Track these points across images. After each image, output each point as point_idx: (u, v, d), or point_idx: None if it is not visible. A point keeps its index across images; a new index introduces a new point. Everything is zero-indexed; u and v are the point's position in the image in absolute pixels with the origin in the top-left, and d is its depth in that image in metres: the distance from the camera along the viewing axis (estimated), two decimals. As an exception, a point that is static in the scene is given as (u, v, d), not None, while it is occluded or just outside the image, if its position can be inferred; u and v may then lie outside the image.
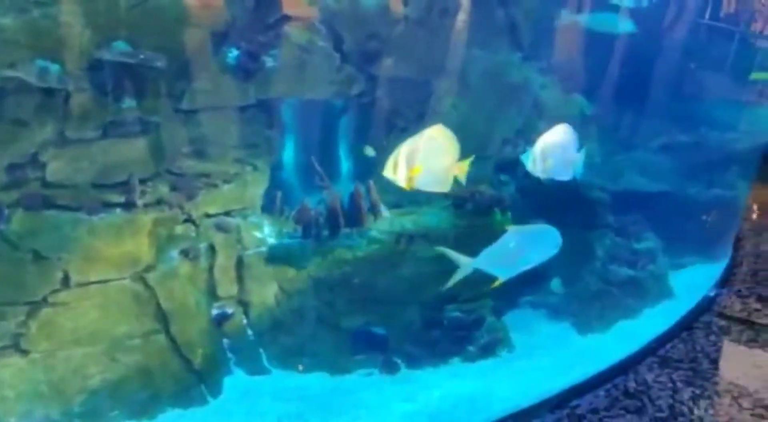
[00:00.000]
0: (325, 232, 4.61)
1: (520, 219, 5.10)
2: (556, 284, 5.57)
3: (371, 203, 4.78)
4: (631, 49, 6.32)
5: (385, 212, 4.79)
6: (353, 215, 4.60)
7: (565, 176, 3.94)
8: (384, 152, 5.45)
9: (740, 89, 6.74)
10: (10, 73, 3.72)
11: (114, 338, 3.93)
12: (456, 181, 3.48)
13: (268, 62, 4.83)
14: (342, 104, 5.73)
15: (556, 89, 5.89)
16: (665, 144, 6.42)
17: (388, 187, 5.10)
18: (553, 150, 3.77)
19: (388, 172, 3.36)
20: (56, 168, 3.91)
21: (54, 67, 3.83)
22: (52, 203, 3.90)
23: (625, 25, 6.18)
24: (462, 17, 5.37)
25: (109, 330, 3.93)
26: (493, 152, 5.52)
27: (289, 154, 5.84)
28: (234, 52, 4.73)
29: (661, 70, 6.48)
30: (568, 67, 5.92)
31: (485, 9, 5.43)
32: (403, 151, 3.33)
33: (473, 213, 4.83)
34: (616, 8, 5.46)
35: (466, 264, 3.55)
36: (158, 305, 4.05)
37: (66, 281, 3.86)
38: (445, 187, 3.47)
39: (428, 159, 3.31)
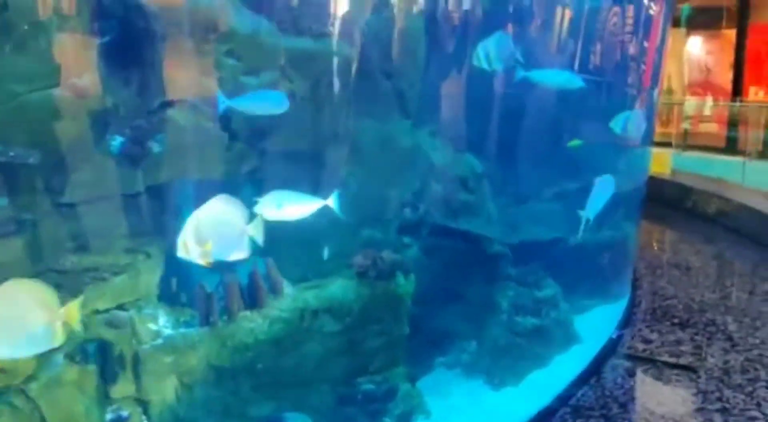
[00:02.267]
0: (224, 317, 4.65)
1: (425, 280, 5.40)
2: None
3: (271, 280, 4.89)
4: (513, 104, 6.98)
5: (287, 288, 4.91)
6: (252, 295, 4.68)
7: (239, 255, 3.83)
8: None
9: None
10: None
11: (-10, 462, 3.72)
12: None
13: (155, 147, 4.96)
14: (234, 181, 5.90)
15: (447, 150, 6.37)
16: (556, 192, 7.03)
17: (290, 261, 5.29)
18: (213, 229, 3.65)
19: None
20: None
21: None
22: None
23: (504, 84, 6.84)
24: (349, 90, 5.78)
25: (-15, 454, 3.72)
26: (392, 216, 5.85)
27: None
28: (118, 140, 4.81)
29: (542, 120, 7.17)
30: (455, 129, 6.45)
31: (371, 81, 5.87)
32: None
33: (376, 279, 5.06)
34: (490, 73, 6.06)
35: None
36: (42, 419, 3.88)
37: (-67, 404, 3.65)
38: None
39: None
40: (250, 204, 6.04)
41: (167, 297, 5.19)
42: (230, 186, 6.07)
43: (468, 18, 6.66)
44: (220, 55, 5.03)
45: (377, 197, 5.80)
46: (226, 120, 5.28)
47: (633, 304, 6.90)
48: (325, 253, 5.75)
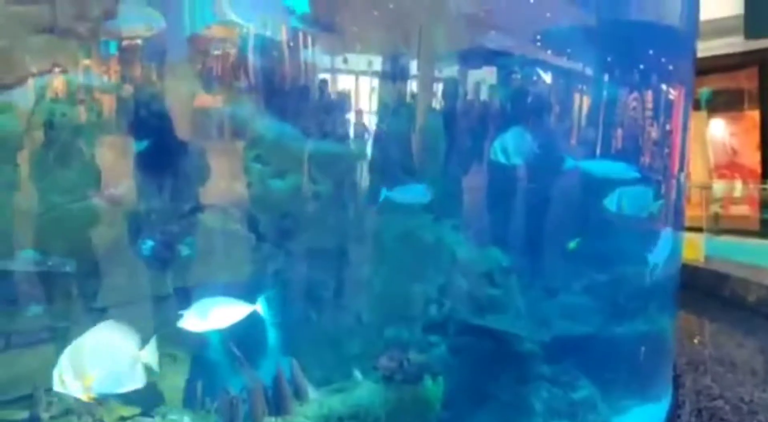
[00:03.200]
0: (250, 422, 4.63)
1: (453, 382, 5.33)
2: None
3: (296, 383, 4.89)
4: (536, 195, 7.13)
5: (312, 393, 4.88)
6: (277, 401, 4.67)
7: (133, 385, 3.52)
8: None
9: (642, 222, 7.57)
10: None
11: None
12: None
13: (184, 250, 5.18)
14: (260, 283, 6.06)
15: (470, 244, 6.47)
16: (586, 285, 6.99)
17: (314, 363, 5.31)
18: (96, 360, 3.35)
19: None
20: (-50, 389, 3.91)
21: (-44, 283, 4.00)
22: (-58, 430, 3.83)
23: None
24: (373, 188, 6.02)
25: None
26: (417, 314, 5.87)
27: (209, 339, 5.97)
28: (148, 243, 5.05)
29: (569, 210, 7.27)
30: (479, 222, 6.58)
31: (392, 179, 6.12)
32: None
33: (403, 383, 5.02)
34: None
35: None
36: None
37: None
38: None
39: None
40: (273, 304, 6.19)
41: (191, 402, 5.22)
42: (257, 286, 6.26)
43: (487, 112, 6.98)
44: (248, 160, 5.36)
45: (401, 294, 5.86)
46: (252, 222, 5.54)
47: (676, 405, 6.64)
48: (349, 354, 5.78)
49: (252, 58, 5.74)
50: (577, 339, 6.38)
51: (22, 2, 4.60)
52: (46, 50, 4.57)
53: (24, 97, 4.46)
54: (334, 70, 6.13)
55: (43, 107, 4.42)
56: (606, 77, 7.15)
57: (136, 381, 3.58)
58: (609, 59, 7.03)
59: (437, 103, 6.68)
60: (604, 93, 7.74)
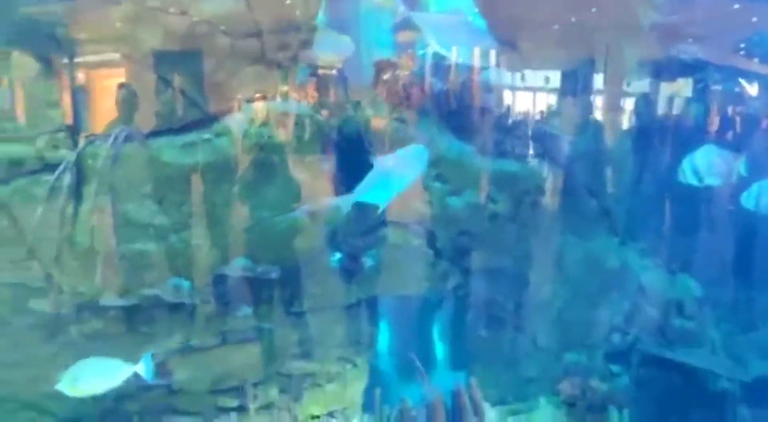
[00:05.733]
0: (430, 434, 4.89)
1: (638, 416, 5.14)
2: None
3: (473, 401, 5.06)
4: (734, 219, 6.59)
5: (488, 410, 5.03)
6: (456, 415, 4.88)
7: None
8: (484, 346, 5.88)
9: None
10: (148, 291, 4.66)
11: None
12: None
13: (368, 262, 5.62)
14: (437, 298, 6.33)
15: (660, 270, 6.18)
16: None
17: (489, 381, 5.44)
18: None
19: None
20: (180, 375, 4.64)
21: (185, 284, 4.75)
22: (174, 409, 4.57)
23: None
24: (553, 208, 6.03)
25: None
26: (599, 340, 5.75)
27: (386, 350, 6.36)
28: (337, 256, 5.57)
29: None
30: (668, 247, 6.27)
31: (576, 199, 6.07)
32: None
33: (587, 411, 4.96)
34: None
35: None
36: None
37: (179, 490, 4.35)
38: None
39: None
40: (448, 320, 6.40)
41: (371, 407, 5.63)
42: (434, 301, 6.56)
43: (681, 129, 6.62)
44: (429, 178, 5.68)
45: (582, 319, 5.79)
46: (431, 238, 5.84)
47: None
48: (526, 376, 5.82)
49: (432, 79, 6.09)
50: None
51: (240, 37, 5.34)
52: (255, 80, 5.27)
53: (238, 122, 5.17)
54: (513, 88, 6.28)
55: (253, 131, 5.09)
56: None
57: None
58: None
59: (625, 120, 6.51)
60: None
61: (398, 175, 4.02)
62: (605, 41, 6.06)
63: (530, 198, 5.91)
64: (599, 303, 5.88)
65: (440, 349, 6.88)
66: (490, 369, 5.76)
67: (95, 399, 4.45)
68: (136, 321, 4.62)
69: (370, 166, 5.64)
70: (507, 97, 6.40)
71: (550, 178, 5.99)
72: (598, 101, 6.36)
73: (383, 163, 4.12)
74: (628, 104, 6.31)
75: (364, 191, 4.05)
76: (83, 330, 4.55)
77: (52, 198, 4.41)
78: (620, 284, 6.02)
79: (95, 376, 4.04)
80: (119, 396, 4.51)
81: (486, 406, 5.14)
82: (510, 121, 6.22)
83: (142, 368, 4.03)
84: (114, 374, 4.04)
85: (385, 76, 5.93)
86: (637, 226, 6.30)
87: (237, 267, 4.85)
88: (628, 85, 6.35)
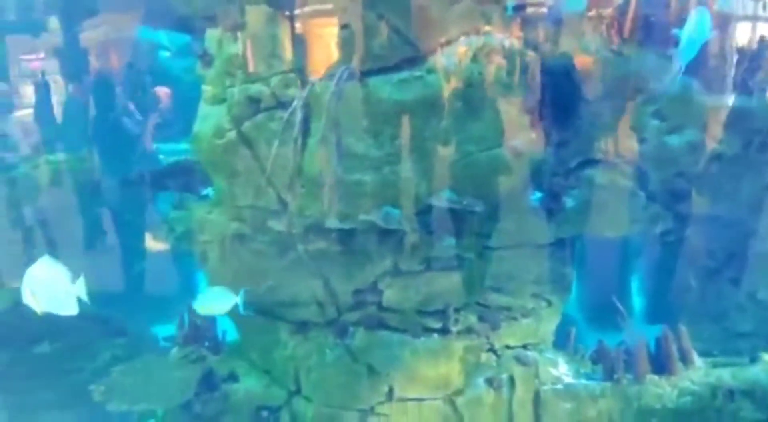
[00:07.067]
0: (629, 376, 4.88)
1: None
2: None
3: (682, 349, 4.92)
4: None
5: (697, 361, 4.86)
6: (661, 361, 4.80)
7: (68, 310, 4.33)
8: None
9: None
10: (364, 217, 5.16)
11: (423, 455, 4.76)
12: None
13: (569, 202, 5.58)
14: (641, 242, 6.11)
15: None
16: None
17: (694, 333, 5.22)
18: (41, 286, 4.26)
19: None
20: (390, 294, 5.15)
21: (395, 212, 5.17)
22: (385, 325, 5.11)
23: None
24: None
25: (420, 447, 4.79)
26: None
27: (582, 291, 6.35)
28: (537, 195, 5.61)
29: None
30: None
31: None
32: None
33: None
34: None
35: None
36: (463, 429, 4.80)
37: (390, 395, 4.91)
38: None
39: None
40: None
41: (562, 345, 5.73)
42: (639, 245, 6.36)
43: None
44: (645, 115, 5.41)
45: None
46: (644, 180, 5.60)
47: None
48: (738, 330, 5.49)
49: (647, 9, 5.66)
50: None
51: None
52: (464, 17, 5.34)
53: (447, 59, 5.33)
54: (752, 17, 5.64)
55: (462, 68, 5.22)
56: None
57: (71, 308, 4.40)
58: None
59: None
60: None
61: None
62: None
63: (761, 138, 5.37)
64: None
65: (641, 296, 6.70)
66: (696, 321, 5.51)
67: (319, 305, 5.20)
68: (353, 244, 5.17)
69: (579, 103, 5.54)
70: (741, 28, 5.76)
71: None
72: None
73: None
74: None
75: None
76: (309, 249, 5.21)
77: (285, 132, 5.05)
78: None
79: (214, 301, 5.19)
80: (340, 309, 5.19)
81: (695, 356, 4.96)
82: (743, 53, 5.62)
83: (239, 301, 5.03)
84: (226, 301, 5.11)
85: (596, 10, 5.67)
86: None
87: (443, 199, 5.13)
88: None
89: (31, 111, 7.38)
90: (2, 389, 6.17)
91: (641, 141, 5.42)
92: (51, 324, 6.47)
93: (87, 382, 5.46)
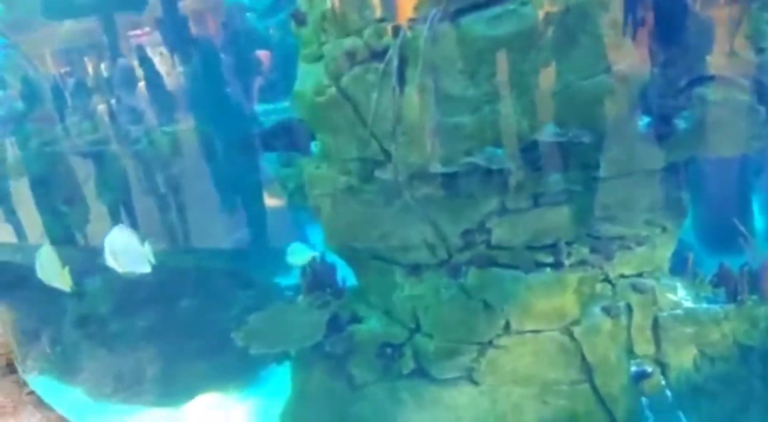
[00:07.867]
0: (753, 297, 4.79)
1: None
2: None
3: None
4: None
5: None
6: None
7: (142, 268, 5.17)
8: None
9: None
10: (467, 159, 5.25)
11: (545, 382, 4.99)
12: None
13: (681, 124, 5.37)
14: (761, 160, 5.81)
15: None
16: None
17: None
18: (119, 247, 5.08)
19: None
20: (499, 233, 5.28)
21: (498, 152, 5.23)
22: (496, 262, 5.26)
23: None
24: None
25: (540, 375, 5.01)
26: None
27: (700, 215, 6.17)
28: (645, 120, 5.43)
29: None
30: None
31: None
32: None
33: None
34: None
35: None
36: (583, 357, 4.95)
37: (507, 328, 5.13)
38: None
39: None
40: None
41: (679, 271, 5.65)
42: (758, 163, 6.06)
43: None
44: (763, 23, 5.04)
45: None
46: (763, 94, 5.25)
47: None
48: None
49: None
50: None
51: None
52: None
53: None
54: None
55: (559, -5, 5.06)
56: None
57: (145, 266, 5.25)
58: None
59: None
60: None
61: None
62: None
63: None
64: None
65: (763, 215, 6.42)
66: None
67: (430, 247, 5.42)
68: (458, 187, 5.30)
69: (686, 15, 5.23)
70: None
71: None
72: None
73: None
74: None
75: None
76: (415, 195, 5.39)
77: (382, 82, 5.17)
78: None
79: (300, 256, 6.17)
80: (451, 251, 5.40)
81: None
82: None
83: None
84: (305, 256, 6.12)
85: None
86: None
87: (548, 133, 5.11)
88: None
89: (143, 84, 7.96)
90: (156, 341, 7.01)
91: (759, 51, 5.08)
92: (187, 282, 7.26)
93: (227, 331, 6.09)
